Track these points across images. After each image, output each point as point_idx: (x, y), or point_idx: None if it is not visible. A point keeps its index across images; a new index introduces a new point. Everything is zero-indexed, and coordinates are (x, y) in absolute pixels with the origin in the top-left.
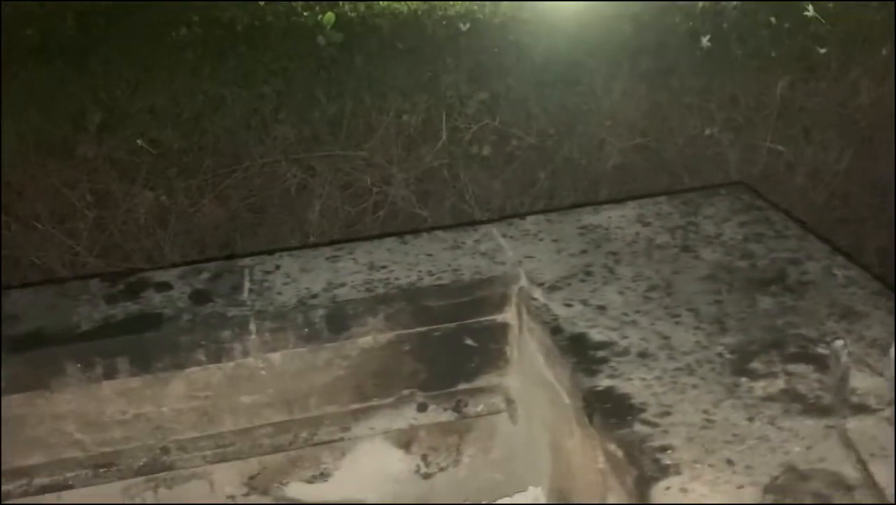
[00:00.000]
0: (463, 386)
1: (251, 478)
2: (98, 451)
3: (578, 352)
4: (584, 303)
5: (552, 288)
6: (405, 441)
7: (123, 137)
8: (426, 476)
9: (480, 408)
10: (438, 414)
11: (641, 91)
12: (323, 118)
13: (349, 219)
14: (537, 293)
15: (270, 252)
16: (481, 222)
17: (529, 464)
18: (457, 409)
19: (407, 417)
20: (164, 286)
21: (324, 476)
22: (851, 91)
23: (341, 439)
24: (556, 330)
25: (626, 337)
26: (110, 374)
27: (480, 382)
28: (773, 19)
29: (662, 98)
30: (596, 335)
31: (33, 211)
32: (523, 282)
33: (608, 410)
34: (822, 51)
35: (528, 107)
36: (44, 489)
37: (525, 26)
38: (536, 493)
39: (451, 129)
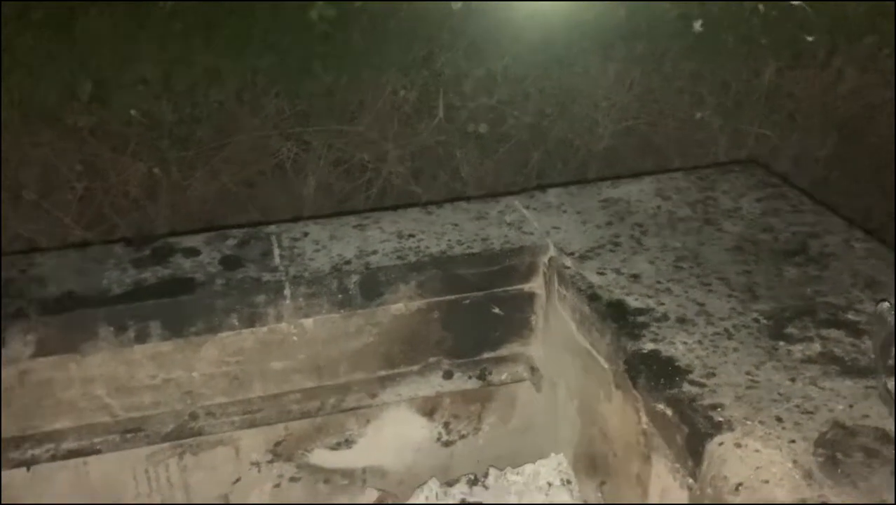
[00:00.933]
0: (488, 354)
1: (276, 444)
2: (126, 416)
3: (618, 318)
4: (617, 272)
5: (583, 257)
6: (429, 408)
7: (115, 108)
8: (447, 444)
9: (504, 376)
10: (463, 382)
11: (635, 74)
12: (318, 93)
13: (343, 194)
14: (568, 262)
15: (295, 219)
16: (503, 194)
17: (551, 431)
18: (481, 377)
19: (433, 384)
20: (192, 252)
21: (348, 443)
22: (836, 78)
23: (368, 406)
24: (592, 297)
25: (662, 304)
26: (142, 337)
27: (505, 350)
28: (761, 7)
29: (655, 82)
30: (633, 302)
31: (21, 181)
32: (552, 252)
33: (654, 372)
34: (810, 38)
35: (524, 86)
36: (71, 453)
37: (522, 7)
38: (559, 459)
39: (447, 106)
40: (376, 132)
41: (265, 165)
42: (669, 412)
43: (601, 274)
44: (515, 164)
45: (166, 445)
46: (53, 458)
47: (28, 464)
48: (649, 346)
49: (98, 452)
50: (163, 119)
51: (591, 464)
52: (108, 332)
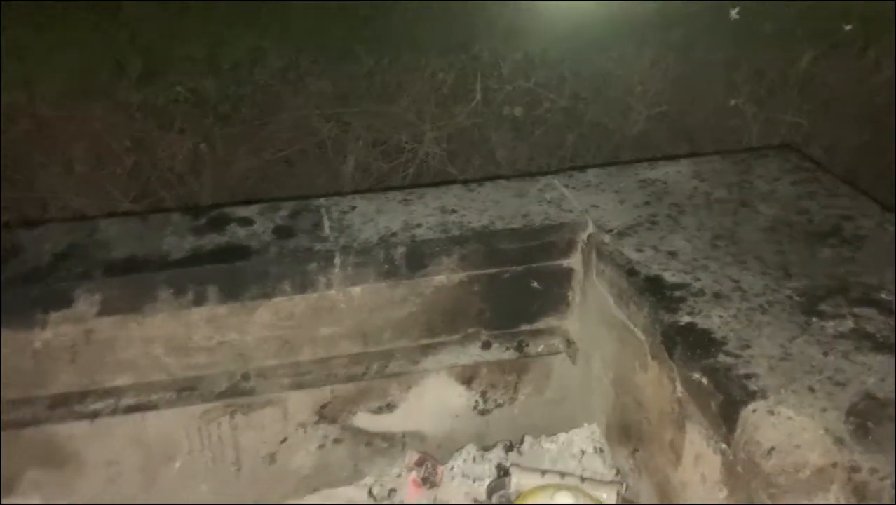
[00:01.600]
0: (525, 327)
1: (322, 407)
2: (182, 375)
3: (656, 292)
4: (655, 249)
5: (621, 234)
6: (467, 377)
7: (162, 85)
8: (483, 412)
9: (541, 348)
10: (500, 353)
11: (669, 60)
12: (358, 74)
13: (381, 174)
14: (607, 239)
15: (342, 194)
16: (542, 173)
17: (584, 402)
18: (518, 348)
19: (471, 354)
20: (247, 221)
21: (389, 407)
22: (872, 68)
23: (409, 373)
24: (631, 272)
25: (699, 280)
26: (200, 301)
27: (542, 323)
28: None
29: (689, 68)
30: (670, 277)
31: (72, 154)
32: (591, 228)
33: (690, 343)
34: (847, 27)
35: (561, 70)
36: (130, 409)
37: None
38: (592, 428)
39: (484, 89)
40: (414, 114)
41: (306, 144)
42: (705, 381)
43: (639, 251)
44: (550, 147)
45: (219, 403)
46: (114, 412)
47: (91, 417)
48: (686, 319)
49: (155, 408)
50: (208, 96)
51: (624, 432)
52: (168, 294)
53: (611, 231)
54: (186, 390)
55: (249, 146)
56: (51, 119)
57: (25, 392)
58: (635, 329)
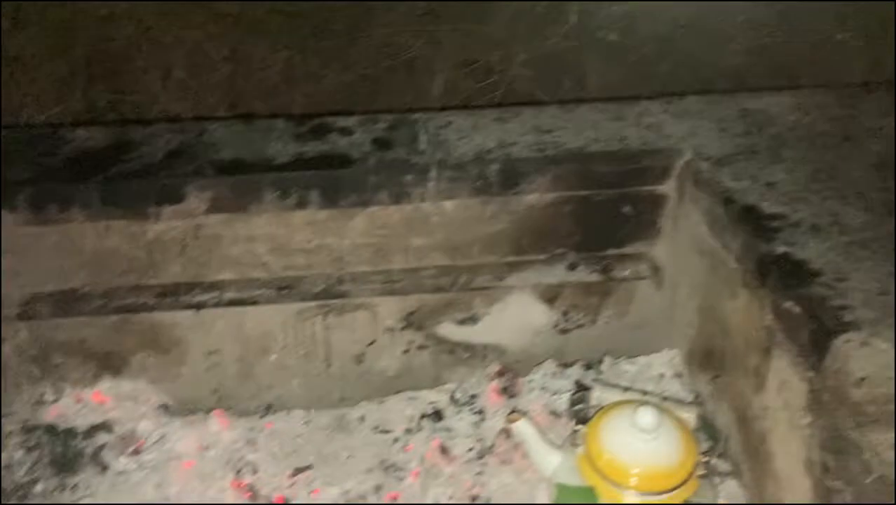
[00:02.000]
0: (612, 251)
1: (409, 314)
2: (282, 274)
3: (752, 221)
4: (753, 179)
5: (720, 163)
6: (550, 296)
7: None
8: (563, 331)
9: (626, 273)
10: (586, 275)
11: None
12: None
13: (469, 94)
14: (705, 167)
15: (440, 109)
16: (641, 98)
17: (666, 328)
18: (604, 272)
19: (557, 274)
20: (347, 131)
21: (473, 320)
22: None
23: (494, 288)
24: (728, 201)
25: (797, 211)
26: (302, 204)
27: (629, 249)
28: None
29: None
30: (768, 208)
31: (171, 60)
32: (689, 155)
33: (784, 273)
34: None
35: None
36: (232, 302)
37: None
38: (672, 354)
39: (580, 11)
40: (506, 35)
41: (395, 61)
42: (797, 310)
43: (737, 180)
44: (643, 74)
45: (314, 303)
46: (217, 305)
47: (197, 307)
48: (781, 248)
49: (255, 303)
50: (304, 9)
51: (706, 359)
52: (273, 196)
53: (709, 159)
54: (285, 289)
55: (340, 61)
56: (153, 26)
57: (137, 281)
58: (728, 257)
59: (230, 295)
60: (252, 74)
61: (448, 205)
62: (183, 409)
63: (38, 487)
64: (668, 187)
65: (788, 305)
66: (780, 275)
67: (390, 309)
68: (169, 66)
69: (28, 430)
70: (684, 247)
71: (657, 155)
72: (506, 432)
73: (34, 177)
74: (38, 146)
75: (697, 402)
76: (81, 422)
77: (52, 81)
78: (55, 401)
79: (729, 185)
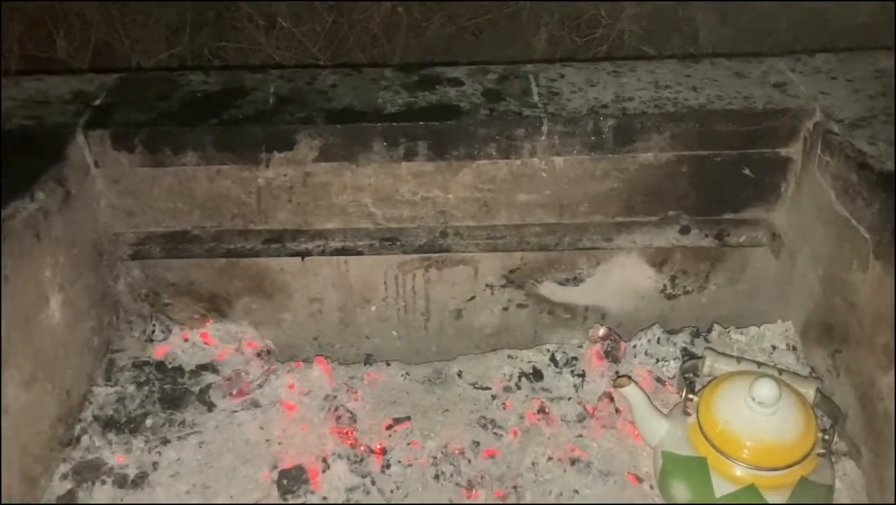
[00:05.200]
0: (728, 216)
1: (511, 271)
2: (386, 225)
3: (889, 188)
4: (890, 143)
5: (853, 125)
6: (659, 260)
7: None
8: (670, 297)
9: (742, 239)
10: (698, 239)
11: None
12: None
13: (574, 48)
14: (836, 129)
15: (551, 61)
16: (766, 55)
17: (781, 298)
18: (718, 237)
19: (668, 237)
20: (456, 82)
21: (576, 280)
22: None
23: (601, 249)
24: (862, 165)
25: None
26: (410, 156)
27: (747, 214)
28: None
29: None
30: None
31: (275, 9)
32: (818, 117)
33: None
34: None
35: None
36: (337, 251)
37: None
38: (786, 326)
39: None
40: None
41: (499, 14)
42: None
43: (872, 143)
44: (758, 32)
45: (416, 256)
46: (322, 252)
47: (302, 255)
48: None
49: (360, 253)
50: None
51: (826, 333)
52: (382, 146)
53: (841, 121)
54: (388, 240)
55: (443, 13)
56: None
57: (245, 225)
58: (859, 226)
59: (335, 244)
60: (354, 25)
61: (558, 161)
62: (285, 354)
63: (149, 421)
64: (793, 150)
65: None
66: None
67: (492, 265)
68: (273, 14)
69: (138, 365)
70: (807, 214)
71: (783, 115)
72: (608, 396)
73: (150, 119)
74: (153, 89)
75: (814, 376)
76: (188, 361)
77: (161, 28)
78: (164, 339)
79: (863, 150)
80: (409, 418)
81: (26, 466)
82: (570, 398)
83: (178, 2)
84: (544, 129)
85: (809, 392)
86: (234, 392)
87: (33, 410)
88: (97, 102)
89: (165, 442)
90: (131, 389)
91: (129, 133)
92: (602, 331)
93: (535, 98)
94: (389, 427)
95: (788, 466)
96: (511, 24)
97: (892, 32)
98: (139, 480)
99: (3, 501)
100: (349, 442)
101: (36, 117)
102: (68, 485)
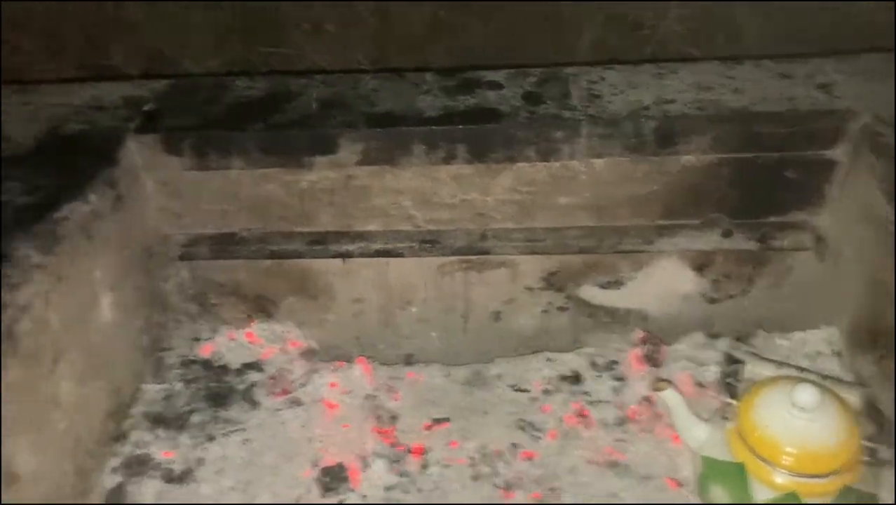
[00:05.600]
0: (772, 218)
1: (550, 274)
2: (426, 227)
3: None
4: None
5: None
6: (701, 264)
7: None
8: (712, 301)
9: (785, 242)
10: (741, 242)
11: None
12: None
13: (616, 50)
14: (885, 130)
15: (592, 63)
16: (809, 55)
17: (825, 303)
18: (761, 240)
19: (709, 240)
20: (496, 85)
21: (617, 284)
22: None
23: (642, 252)
24: None
25: None
26: (449, 159)
27: (791, 217)
28: None
29: None
30: None
31: (321, 13)
32: (867, 118)
33: None
34: None
35: None
36: (377, 253)
37: None
38: (830, 331)
39: None
40: None
41: (539, 16)
42: None
43: None
44: (799, 28)
45: (455, 258)
46: (363, 254)
47: (344, 256)
48: None
49: (400, 255)
50: None
51: (872, 338)
52: (421, 150)
53: (889, 122)
54: (428, 242)
55: (482, 14)
56: None
57: (290, 227)
58: None
59: (376, 245)
60: (397, 28)
61: (598, 163)
62: (327, 353)
63: (195, 418)
64: (839, 152)
65: None
66: None
67: (531, 268)
68: (321, 20)
69: (186, 364)
70: (854, 217)
71: (829, 117)
72: (648, 400)
73: (198, 124)
74: (201, 95)
75: (859, 383)
76: (234, 359)
77: (210, 34)
78: (210, 338)
79: None
80: (448, 419)
81: (80, 460)
82: (609, 402)
83: (228, 2)
84: (584, 131)
85: (854, 399)
86: (278, 391)
87: (86, 405)
88: (148, 108)
89: (211, 439)
90: (179, 386)
91: (178, 137)
92: (642, 335)
93: (575, 100)
94: (429, 427)
95: (830, 474)
96: (554, 25)
97: None
98: (185, 476)
99: (59, 493)
100: (389, 441)
101: (90, 122)
102: (118, 478)
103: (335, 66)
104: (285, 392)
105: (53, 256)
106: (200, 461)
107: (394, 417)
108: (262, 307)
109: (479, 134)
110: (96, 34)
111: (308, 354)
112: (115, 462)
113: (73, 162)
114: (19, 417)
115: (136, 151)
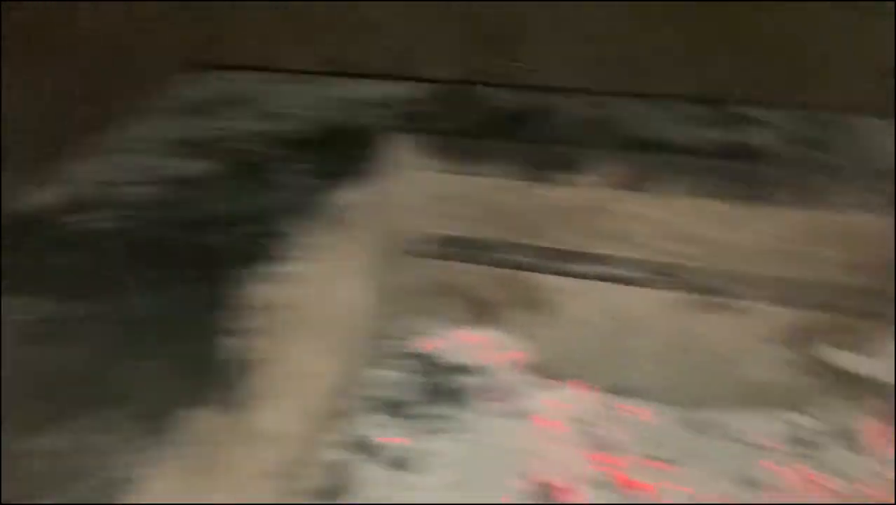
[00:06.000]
0: None
1: (794, 328)
2: (664, 259)
3: None
4: None
5: None
6: None
7: None
8: None
9: None
10: None
11: None
12: None
13: None
14: None
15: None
16: None
17: None
18: None
19: None
20: (761, 122)
21: (865, 350)
22: None
23: None
24: None
25: None
26: (698, 192)
27: None
28: None
29: None
30: None
31: (571, 32)
32: None
33: None
34: None
35: None
36: (607, 277)
37: None
38: None
39: None
40: None
41: (800, 51)
42: None
43: None
44: None
45: (692, 296)
46: (596, 277)
47: (572, 276)
48: None
49: (631, 283)
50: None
51: None
52: (673, 179)
53: None
54: (664, 275)
55: (735, 43)
56: None
57: (529, 240)
58: None
59: (610, 270)
60: (648, 53)
61: (862, 218)
62: (544, 370)
63: (414, 410)
64: None
65: None
66: None
67: (775, 319)
68: (570, 38)
69: (408, 356)
70: None
71: None
72: (883, 478)
73: (454, 129)
74: (457, 101)
75: None
76: (451, 359)
77: (457, 41)
78: (434, 335)
79: None
80: (661, 459)
81: (306, 431)
82: (838, 472)
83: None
84: (850, 181)
85: None
86: (494, 398)
87: (319, 380)
88: (406, 109)
89: (425, 432)
90: (402, 376)
91: (435, 140)
92: (884, 407)
93: (846, 147)
94: (643, 463)
95: None
96: (819, 64)
97: None
98: (400, 464)
99: (283, 461)
100: (603, 469)
101: (351, 117)
102: (338, 456)
103: (580, 84)
104: (500, 400)
105: (320, 236)
106: (414, 452)
107: (605, 447)
108: (486, 313)
109: (733, 171)
110: (344, 31)
111: (526, 366)
112: (336, 439)
113: (335, 153)
114: (268, 384)
115: (394, 149)
